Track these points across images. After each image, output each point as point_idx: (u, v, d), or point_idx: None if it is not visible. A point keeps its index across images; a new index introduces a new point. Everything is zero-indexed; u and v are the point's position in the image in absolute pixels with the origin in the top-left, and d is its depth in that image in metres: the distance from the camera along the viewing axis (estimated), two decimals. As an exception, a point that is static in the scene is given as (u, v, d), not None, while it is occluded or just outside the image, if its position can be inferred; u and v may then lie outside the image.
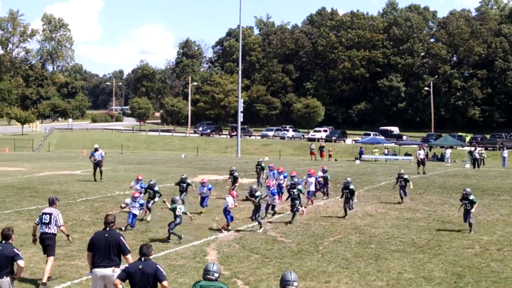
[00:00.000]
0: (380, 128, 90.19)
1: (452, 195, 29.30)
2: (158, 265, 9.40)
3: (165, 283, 9.03)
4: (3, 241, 10.40)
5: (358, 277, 14.15)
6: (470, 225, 19.55)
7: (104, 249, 10.18)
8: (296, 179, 23.04)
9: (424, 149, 48.64)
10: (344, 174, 38.52)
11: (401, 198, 26.16)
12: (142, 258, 9.20)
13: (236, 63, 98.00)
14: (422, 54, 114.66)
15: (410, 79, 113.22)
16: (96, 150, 33.05)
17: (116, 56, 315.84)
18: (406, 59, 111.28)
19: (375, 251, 16.80)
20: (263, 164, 30.61)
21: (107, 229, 10.51)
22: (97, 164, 32.52)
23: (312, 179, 25.40)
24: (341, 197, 23.00)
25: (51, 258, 13.13)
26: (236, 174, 27.45)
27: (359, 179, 36.12)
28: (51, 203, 13.48)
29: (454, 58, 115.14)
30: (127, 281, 9.24)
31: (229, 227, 19.30)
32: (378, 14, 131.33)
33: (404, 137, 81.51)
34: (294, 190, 21.08)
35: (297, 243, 17.73)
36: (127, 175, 35.91)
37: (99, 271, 10.13)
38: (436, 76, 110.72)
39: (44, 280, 12.87)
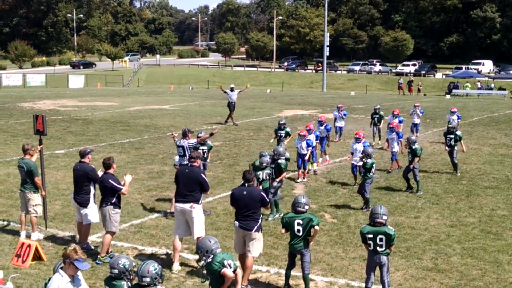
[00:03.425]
0: None
1: (550, 131, 27.95)
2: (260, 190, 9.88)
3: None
4: (105, 171, 10.62)
5: (449, 213, 13.87)
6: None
7: (184, 185, 10.28)
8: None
9: None
10: (434, 109, 37.47)
11: (455, 167, 18.16)
12: (246, 184, 9.44)
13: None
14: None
15: (506, 10, 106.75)
16: (232, 90, 30.15)
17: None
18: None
19: (467, 187, 16.38)
20: (287, 129, 18.86)
21: (189, 164, 10.64)
22: (232, 105, 29.84)
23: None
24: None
25: None
26: (288, 129, 18.92)
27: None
28: (184, 135, 13.73)
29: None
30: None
31: None
32: None
33: None
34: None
35: (385, 178, 17.52)
36: (214, 109, 36.43)
37: (179, 206, 10.26)
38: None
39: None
